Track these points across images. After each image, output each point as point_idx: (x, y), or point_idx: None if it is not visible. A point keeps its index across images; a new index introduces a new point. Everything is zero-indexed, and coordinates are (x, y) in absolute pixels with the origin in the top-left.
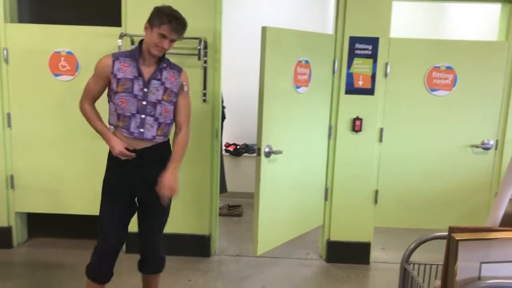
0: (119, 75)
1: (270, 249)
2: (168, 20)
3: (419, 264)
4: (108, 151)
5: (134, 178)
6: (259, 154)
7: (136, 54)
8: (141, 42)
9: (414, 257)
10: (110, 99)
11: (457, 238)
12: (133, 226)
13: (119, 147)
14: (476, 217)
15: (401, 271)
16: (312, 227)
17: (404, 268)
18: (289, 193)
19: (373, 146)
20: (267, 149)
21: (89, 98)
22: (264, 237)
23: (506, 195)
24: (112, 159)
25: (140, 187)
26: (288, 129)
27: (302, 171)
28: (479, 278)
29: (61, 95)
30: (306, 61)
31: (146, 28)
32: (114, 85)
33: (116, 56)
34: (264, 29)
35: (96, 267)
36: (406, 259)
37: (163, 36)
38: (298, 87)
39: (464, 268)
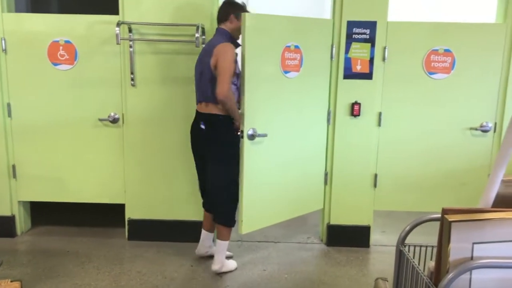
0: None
1: (257, 229)
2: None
3: (415, 246)
4: (231, 129)
5: None
6: (242, 137)
7: (233, 42)
8: (225, 31)
9: (413, 239)
10: (233, 82)
11: (450, 220)
12: (137, 213)
13: None
14: (475, 200)
15: (396, 253)
16: (310, 211)
17: (400, 250)
18: (280, 176)
19: (372, 130)
20: (250, 132)
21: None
22: (250, 216)
23: (498, 177)
24: (233, 131)
25: None
26: (276, 113)
27: (297, 155)
28: (472, 258)
29: (61, 84)
30: (296, 46)
31: (233, 18)
32: (237, 70)
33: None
34: (243, 15)
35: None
36: (401, 241)
37: None
38: (287, 72)
39: (457, 248)
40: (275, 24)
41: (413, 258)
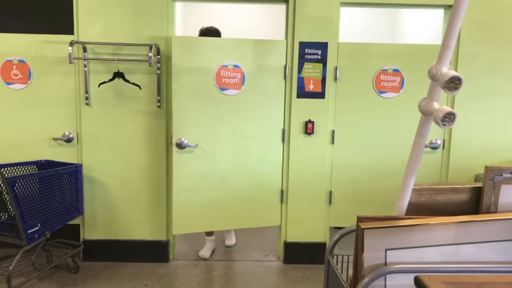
0: None
1: (189, 232)
2: None
3: (342, 255)
4: None
5: None
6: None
7: None
8: None
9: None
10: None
11: (363, 227)
12: (92, 234)
13: None
14: None
15: (325, 263)
16: (265, 225)
17: (328, 260)
18: (221, 187)
19: (325, 148)
20: (178, 141)
21: None
22: (181, 220)
23: (409, 186)
24: None
25: None
26: (209, 125)
27: (236, 168)
28: (385, 264)
29: (14, 104)
30: (236, 66)
31: None
32: None
33: None
34: (172, 39)
35: None
36: (329, 251)
37: None
38: (223, 89)
39: (371, 255)
40: (207, 45)
41: (340, 268)
